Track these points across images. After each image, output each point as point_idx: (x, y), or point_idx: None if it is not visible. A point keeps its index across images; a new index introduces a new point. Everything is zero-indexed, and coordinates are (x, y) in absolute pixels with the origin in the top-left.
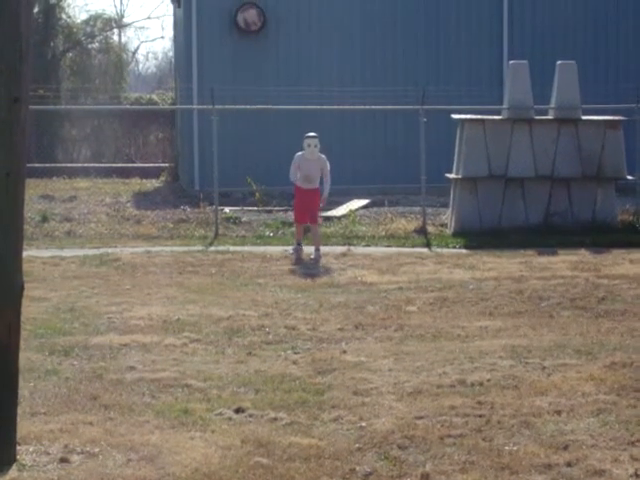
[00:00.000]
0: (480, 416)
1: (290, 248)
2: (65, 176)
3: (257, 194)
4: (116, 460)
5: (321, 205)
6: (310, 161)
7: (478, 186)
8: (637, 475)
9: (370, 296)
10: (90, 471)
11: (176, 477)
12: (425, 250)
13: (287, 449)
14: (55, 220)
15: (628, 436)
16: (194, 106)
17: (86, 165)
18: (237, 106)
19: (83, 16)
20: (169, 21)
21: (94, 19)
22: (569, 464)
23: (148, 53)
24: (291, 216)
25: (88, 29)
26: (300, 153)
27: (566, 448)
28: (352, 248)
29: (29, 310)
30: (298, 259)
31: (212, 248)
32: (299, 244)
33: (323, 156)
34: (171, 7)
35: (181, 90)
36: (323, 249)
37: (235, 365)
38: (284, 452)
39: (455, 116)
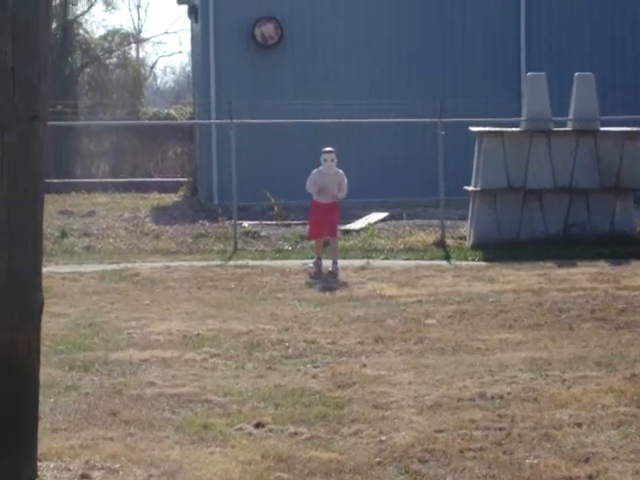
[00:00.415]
0: (500, 429)
1: (310, 262)
2: (84, 191)
3: (276, 208)
4: (137, 476)
5: (340, 195)
6: (328, 176)
7: (497, 198)
8: None
9: (389, 309)
10: None
11: None
12: (444, 263)
13: (307, 464)
14: (74, 236)
15: None
16: (212, 121)
17: (104, 180)
18: (255, 120)
19: (101, 31)
20: (186, 36)
21: (112, 34)
22: (590, 477)
23: (166, 68)
24: None
25: (106, 44)
26: (317, 170)
27: (587, 461)
28: (371, 261)
29: (49, 326)
30: (317, 272)
31: (231, 262)
32: (319, 258)
33: (340, 171)
34: (188, 22)
35: (199, 105)
36: (342, 262)
37: (255, 380)
38: (304, 467)
39: (473, 128)
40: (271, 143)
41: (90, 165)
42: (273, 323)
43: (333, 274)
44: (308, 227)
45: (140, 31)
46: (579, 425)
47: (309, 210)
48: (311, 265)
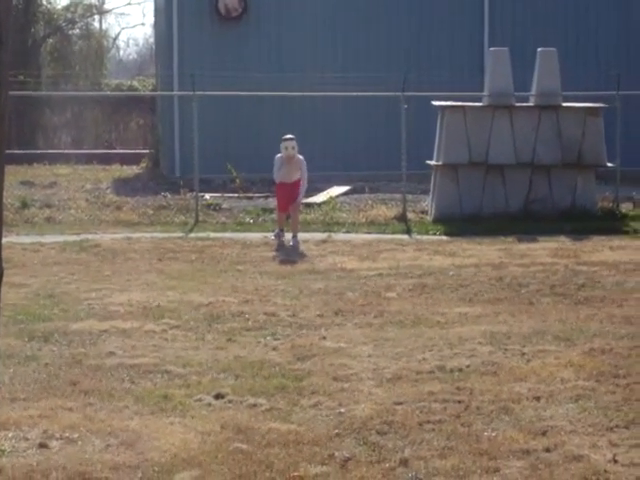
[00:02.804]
0: (459, 402)
1: (271, 234)
2: (45, 162)
3: (237, 181)
4: (95, 445)
5: (302, 188)
6: (289, 163)
7: (459, 173)
8: (615, 460)
9: (350, 283)
10: (69, 456)
11: (155, 462)
12: (405, 237)
13: (266, 435)
14: (35, 206)
15: (606, 422)
16: (175, 92)
17: (66, 151)
18: (217, 92)
19: (64, 2)
20: (150, 7)
21: (75, 5)
22: (548, 450)
23: (129, 39)
24: (272, 202)
25: (69, 15)
26: (280, 155)
27: (545, 434)
28: (332, 235)
29: (8, 296)
30: (280, 244)
31: (192, 234)
32: (281, 230)
33: (301, 157)
34: None
35: (162, 76)
36: (303, 236)
37: (215, 351)
38: (263, 438)
39: (436, 103)
40: (234, 116)
41: (52, 136)
42: (233, 295)
43: (294, 247)
44: (277, 203)
45: (103, 2)
46: (537, 398)
47: (275, 191)
48: (272, 237)
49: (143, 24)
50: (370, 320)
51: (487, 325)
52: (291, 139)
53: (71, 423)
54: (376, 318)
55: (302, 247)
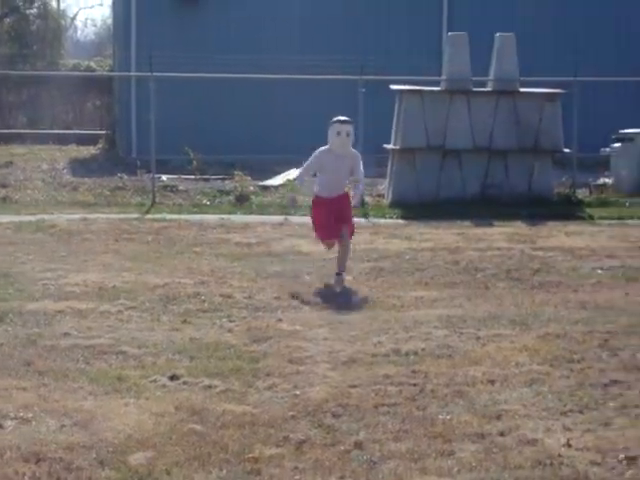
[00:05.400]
0: (414, 385)
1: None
2: (1, 142)
3: (194, 162)
4: (49, 426)
5: (353, 204)
6: (340, 158)
7: (416, 157)
8: (569, 445)
9: (306, 265)
10: (23, 436)
11: (109, 443)
12: (362, 220)
13: (221, 416)
14: None
15: (560, 406)
16: (132, 73)
17: (23, 131)
18: (174, 74)
19: None
20: None
21: None
22: (502, 433)
23: (87, 20)
24: (228, 184)
25: None
26: (323, 149)
27: (499, 418)
28: (289, 218)
29: None
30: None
31: (149, 216)
32: (340, 273)
33: (355, 151)
34: None
35: (119, 57)
36: (260, 219)
37: (170, 332)
38: (218, 419)
39: (393, 87)
40: (191, 97)
41: (8, 116)
42: (189, 277)
43: (336, 284)
44: (315, 229)
45: None
46: (492, 382)
47: (312, 211)
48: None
49: (101, 4)
50: (326, 303)
51: (443, 309)
52: (347, 122)
53: (25, 403)
54: (332, 301)
55: (259, 230)
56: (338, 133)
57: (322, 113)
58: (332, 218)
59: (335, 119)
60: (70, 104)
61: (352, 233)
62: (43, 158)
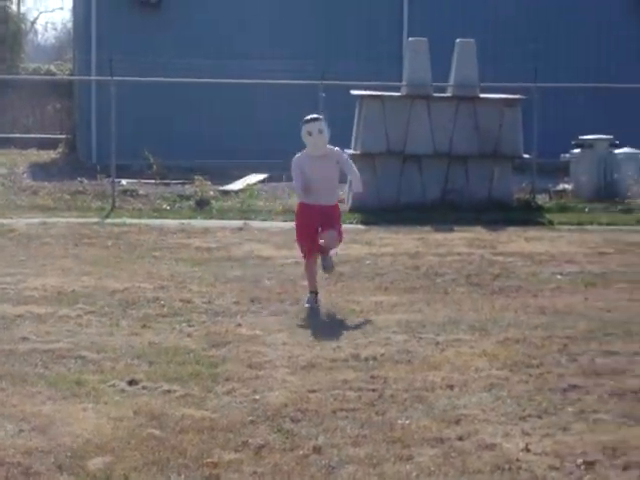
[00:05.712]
0: (373, 390)
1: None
2: None
3: (155, 167)
4: (7, 430)
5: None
6: (319, 160)
7: (376, 162)
8: (527, 449)
9: (266, 270)
10: None
11: (67, 448)
12: None
13: (180, 421)
14: None
15: (519, 411)
16: (92, 77)
17: None
18: (134, 78)
19: None
20: None
21: None
22: (460, 438)
23: (47, 24)
24: (188, 189)
25: None
26: (300, 153)
27: (458, 422)
28: (249, 222)
29: None
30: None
31: (108, 220)
32: (313, 292)
33: (336, 148)
34: None
35: (79, 61)
36: (220, 223)
37: (129, 337)
38: (177, 424)
39: (354, 92)
40: (152, 102)
41: None
42: (149, 281)
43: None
44: (298, 237)
45: None
46: (451, 387)
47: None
48: (306, 305)
49: (62, 8)
50: (286, 308)
51: (402, 314)
52: (316, 119)
53: None
54: (292, 306)
55: (219, 235)
56: (309, 133)
57: (283, 118)
58: (315, 226)
59: (303, 119)
60: (31, 108)
61: (339, 240)
62: (3, 162)
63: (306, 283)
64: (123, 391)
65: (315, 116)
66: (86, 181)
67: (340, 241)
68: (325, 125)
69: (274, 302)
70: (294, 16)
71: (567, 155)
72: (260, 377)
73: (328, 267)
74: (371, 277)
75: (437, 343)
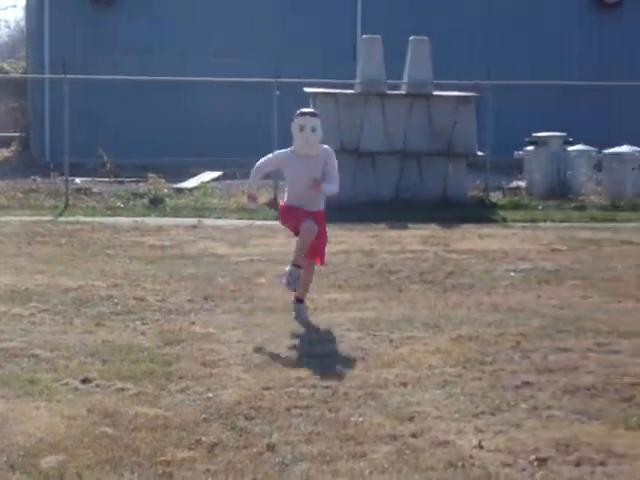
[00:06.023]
0: (327, 387)
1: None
2: None
3: (108, 165)
4: None
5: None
6: (307, 161)
7: None
8: (481, 446)
9: (220, 268)
10: None
11: (20, 446)
12: (276, 223)
13: (133, 419)
14: None
15: (472, 408)
16: (45, 75)
17: None
18: (88, 76)
19: None
20: None
21: None
22: (414, 435)
23: (0, 21)
24: (142, 187)
25: None
26: (285, 150)
27: (411, 419)
28: (203, 220)
29: None
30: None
31: (62, 218)
32: (298, 299)
33: (327, 147)
34: None
35: (32, 59)
36: (174, 221)
37: (83, 335)
38: (130, 422)
39: (307, 89)
40: (104, 100)
41: None
42: (102, 279)
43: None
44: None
45: None
46: (405, 384)
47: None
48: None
49: (15, 6)
50: (240, 306)
51: (356, 311)
52: (312, 114)
53: None
54: (246, 304)
55: (172, 233)
56: (301, 128)
57: (237, 116)
58: (302, 210)
59: (297, 112)
60: None
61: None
62: None
63: (260, 280)
64: (76, 389)
65: (311, 110)
66: (39, 179)
67: (322, 242)
68: (319, 125)
69: (228, 300)
70: (249, 13)
71: (521, 152)
72: (214, 375)
73: (290, 283)
74: (325, 275)
75: (391, 340)
